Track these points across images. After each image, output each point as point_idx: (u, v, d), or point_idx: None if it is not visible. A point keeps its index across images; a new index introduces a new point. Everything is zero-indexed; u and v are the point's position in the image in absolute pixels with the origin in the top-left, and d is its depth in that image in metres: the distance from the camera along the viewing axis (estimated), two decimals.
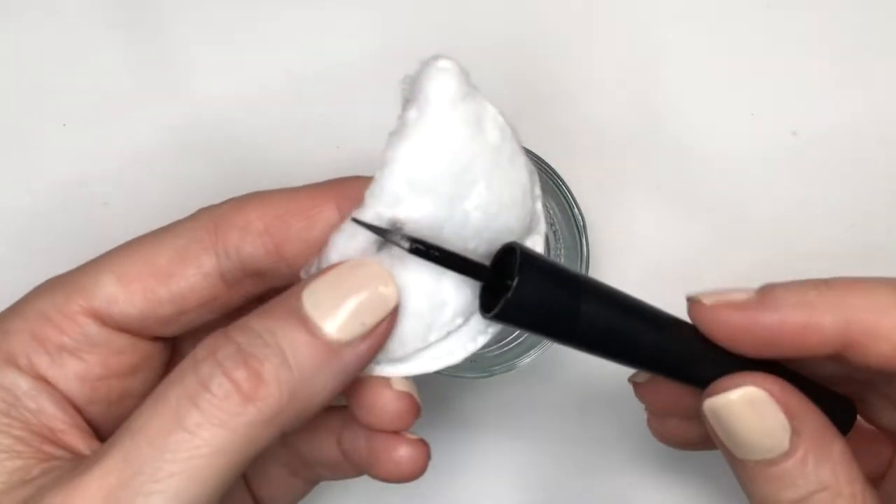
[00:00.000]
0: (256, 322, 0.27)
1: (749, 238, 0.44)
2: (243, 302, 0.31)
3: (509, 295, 0.27)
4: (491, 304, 0.28)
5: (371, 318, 0.27)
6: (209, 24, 0.46)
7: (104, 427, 0.31)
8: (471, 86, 0.28)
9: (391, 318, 0.28)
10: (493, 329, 0.30)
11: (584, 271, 0.40)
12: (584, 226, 0.40)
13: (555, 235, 0.42)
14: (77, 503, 0.25)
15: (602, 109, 0.45)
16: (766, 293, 0.30)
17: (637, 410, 0.36)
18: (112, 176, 0.45)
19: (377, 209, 0.27)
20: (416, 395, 0.30)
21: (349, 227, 0.28)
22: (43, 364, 0.29)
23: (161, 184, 0.45)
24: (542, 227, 0.29)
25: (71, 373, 0.30)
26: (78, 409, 0.30)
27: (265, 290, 0.31)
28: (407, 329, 0.28)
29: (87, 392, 0.30)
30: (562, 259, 0.42)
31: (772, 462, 0.29)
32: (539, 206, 0.29)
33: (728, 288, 0.30)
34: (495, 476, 0.43)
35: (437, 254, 0.27)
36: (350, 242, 0.28)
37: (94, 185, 0.45)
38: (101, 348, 0.30)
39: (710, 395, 0.29)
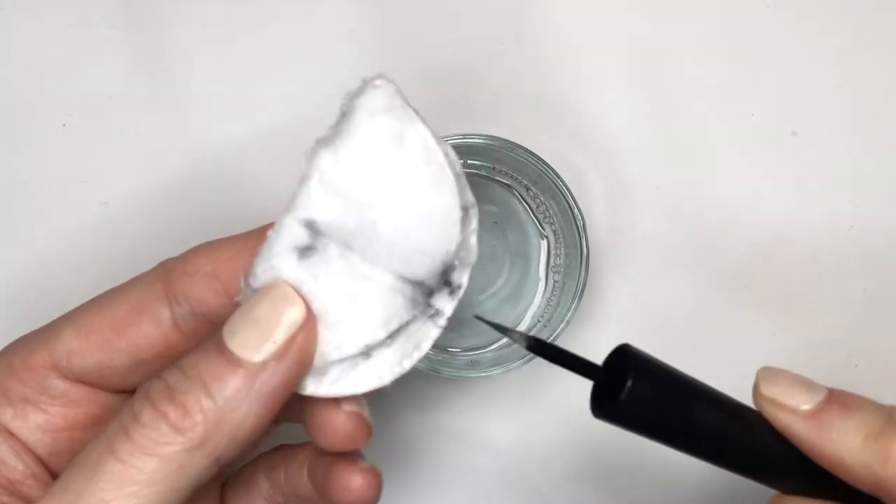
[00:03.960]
0: (185, 360, 0.28)
1: (749, 237, 0.44)
2: None
3: (623, 396, 0.28)
4: (602, 402, 0.29)
5: (281, 336, 0.28)
6: (209, 23, 0.46)
7: None
8: (403, 105, 0.29)
9: (305, 331, 0.28)
10: (417, 354, 0.30)
11: (583, 271, 0.40)
12: (584, 226, 0.40)
13: (555, 235, 0.42)
14: None
15: (602, 109, 0.45)
16: (821, 413, 0.30)
17: None
18: (112, 176, 0.45)
19: (297, 214, 0.29)
20: (366, 414, 0.31)
21: (270, 235, 0.29)
22: (7, 416, 0.31)
23: (161, 183, 0.45)
24: (472, 259, 0.30)
25: (33, 424, 0.31)
26: (41, 460, 0.31)
27: None
28: (321, 337, 0.29)
29: (48, 443, 0.31)
30: (562, 258, 0.42)
31: None
32: (474, 239, 0.30)
33: (795, 377, 0.30)
34: (504, 470, 0.43)
35: (552, 353, 0.29)
36: (271, 250, 0.29)
37: (94, 185, 0.45)
38: (62, 400, 0.31)
39: None
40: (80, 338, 0.31)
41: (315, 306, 0.29)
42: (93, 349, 0.31)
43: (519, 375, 0.42)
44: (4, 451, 0.30)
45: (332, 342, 0.29)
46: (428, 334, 0.30)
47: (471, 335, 0.42)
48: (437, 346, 0.31)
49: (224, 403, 0.27)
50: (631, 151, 0.44)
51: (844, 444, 0.29)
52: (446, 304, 0.30)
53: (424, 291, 0.30)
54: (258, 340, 0.28)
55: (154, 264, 0.44)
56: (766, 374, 0.30)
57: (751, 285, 0.44)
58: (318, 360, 0.29)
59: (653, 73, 0.45)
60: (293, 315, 0.28)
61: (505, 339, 0.41)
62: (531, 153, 0.40)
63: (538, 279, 0.42)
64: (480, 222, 0.30)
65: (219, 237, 0.44)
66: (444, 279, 0.30)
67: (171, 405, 0.27)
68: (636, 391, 0.28)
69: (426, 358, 0.31)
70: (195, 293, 0.31)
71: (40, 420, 0.31)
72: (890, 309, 0.44)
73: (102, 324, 0.31)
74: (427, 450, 0.43)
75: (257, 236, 0.31)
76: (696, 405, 0.29)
